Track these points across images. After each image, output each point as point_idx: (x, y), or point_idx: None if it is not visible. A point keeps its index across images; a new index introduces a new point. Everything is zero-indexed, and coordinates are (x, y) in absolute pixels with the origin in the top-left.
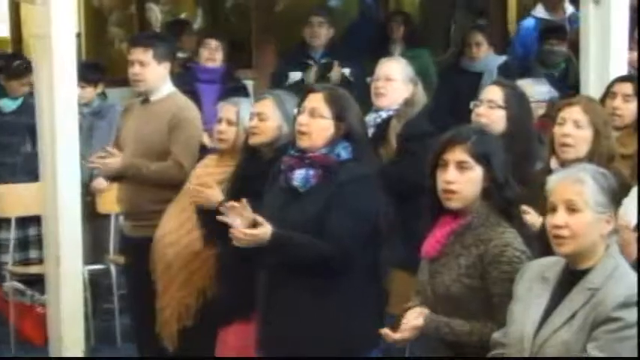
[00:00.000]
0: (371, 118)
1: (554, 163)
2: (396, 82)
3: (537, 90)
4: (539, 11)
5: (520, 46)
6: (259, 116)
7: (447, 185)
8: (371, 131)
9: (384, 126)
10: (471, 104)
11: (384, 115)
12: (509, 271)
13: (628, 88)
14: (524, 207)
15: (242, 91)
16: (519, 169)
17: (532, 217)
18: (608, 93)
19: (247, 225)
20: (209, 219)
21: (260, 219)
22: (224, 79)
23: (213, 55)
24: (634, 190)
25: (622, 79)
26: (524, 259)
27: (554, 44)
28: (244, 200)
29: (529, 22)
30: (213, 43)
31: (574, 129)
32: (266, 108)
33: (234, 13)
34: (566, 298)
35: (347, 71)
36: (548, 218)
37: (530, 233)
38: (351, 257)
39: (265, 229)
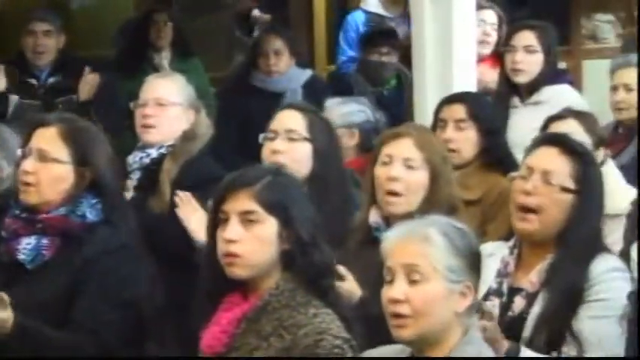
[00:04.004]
0: (136, 159)
1: (374, 216)
2: (171, 108)
3: (343, 112)
4: (372, 3)
5: (350, 48)
6: None
7: (227, 246)
8: (136, 176)
9: (154, 169)
10: (260, 137)
11: (154, 153)
12: None
13: (460, 112)
14: (340, 268)
15: None
16: (331, 223)
17: (350, 283)
18: (437, 121)
19: None
20: None
21: (4, 295)
22: None
23: None
24: (490, 247)
25: (450, 101)
26: (346, 349)
27: (383, 54)
28: None
29: (357, 17)
30: None
31: (404, 170)
32: None
33: None
34: None
35: None
36: (385, 290)
37: (349, 313)
38: (109, 356)
39: (6, 314)
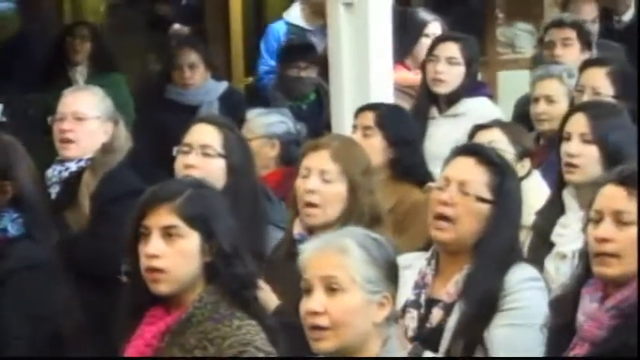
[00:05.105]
0: (55, 172)
1: (297, 228)
2: (89, 121)
3: (264, 122)
4: (294, 15)
5: (271, 58)
6: None
7: (149, 261)
8: (55, 190)
9: (73, 182)
10: (174, 150)
11: (73, 167)
12: None
13: (367, 119)
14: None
15: None
16: (245, 237)
17: (266, 293)
18: (353, 128)
19: None
20: None
21: None
22: None
23: None
24: (408, 258)
25: (363, 109)
26: None
27: (302, 69)
28: None
29: (279, 28)
30: None
31: (321, 183)
32: None
33: None
34: None
35: None
36: (303, 302)
37: (273, 324)
38: None
39: None
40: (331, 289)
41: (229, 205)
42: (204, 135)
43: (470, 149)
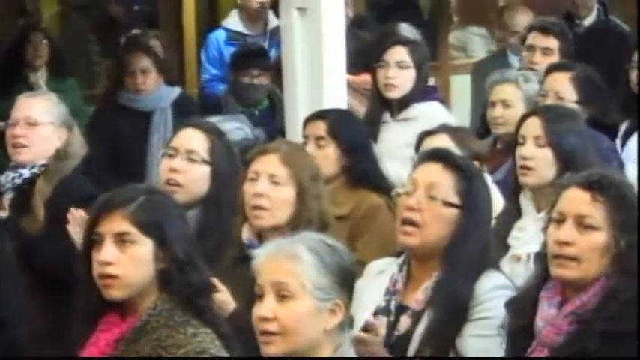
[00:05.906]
0: (8, 179)
1: (246, 233)
2: (42, 127)
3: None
4: (233, 21)
5: (213, 66)
6: None
7: (102, 268)
8: (9, 196)
9: (26, 188)
10: (160, 153)
11: (26, 173)
12: None
13: (319, 129)
14: (213, 280)
15: None
16: (220, 246)
17: (224, 295)
18: (304, 138)
19: None
20: None
21: None
22: None
23: None
24: (381, 264)
25: (313, 118)
26: None
27: (255, 76)
28: None
29: (219, 35)
30: None
31: (270, 186)
32: None
33: None
34: None
35: None
36: (255, 308)
37: (228, 331)
38: None
39: None
40: (281, 295)
41: (209, 211)
42: (191, 140)
43: (436, 154)
